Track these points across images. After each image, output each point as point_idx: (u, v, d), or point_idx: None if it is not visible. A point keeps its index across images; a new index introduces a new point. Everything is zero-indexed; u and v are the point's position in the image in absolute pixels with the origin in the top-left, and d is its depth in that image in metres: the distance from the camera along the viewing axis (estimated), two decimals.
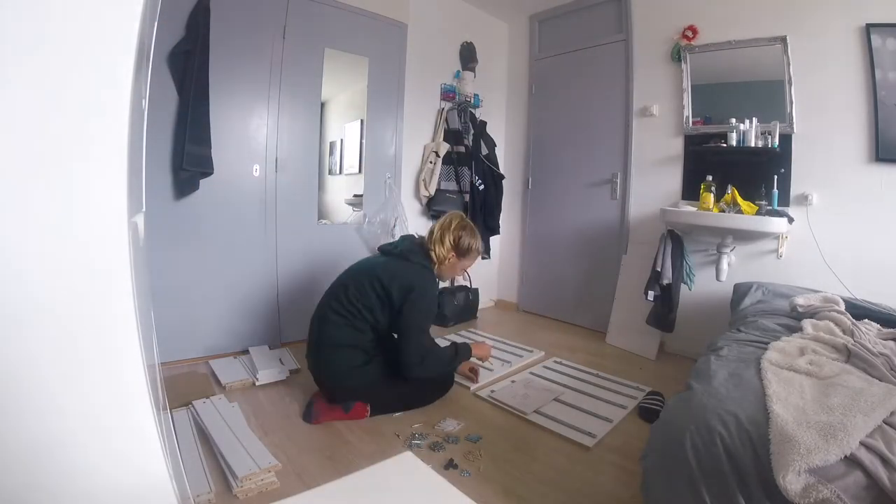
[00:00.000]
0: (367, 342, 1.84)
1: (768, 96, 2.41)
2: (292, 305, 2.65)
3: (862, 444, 0.90)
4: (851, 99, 2.18)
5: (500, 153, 3.60)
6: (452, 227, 1.94)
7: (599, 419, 1.87)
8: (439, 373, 1.93)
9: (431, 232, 1.98)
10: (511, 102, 3.80)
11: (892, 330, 1.58)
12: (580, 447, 1.69)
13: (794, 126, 2.33)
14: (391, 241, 2.16)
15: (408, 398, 1.90)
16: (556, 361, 2.56)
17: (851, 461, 0.88)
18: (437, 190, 3.19)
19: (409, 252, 1.91)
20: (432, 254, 1.93)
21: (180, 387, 1.96)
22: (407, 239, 2.02)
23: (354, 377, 1.80)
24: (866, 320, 1.67)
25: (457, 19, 3.42)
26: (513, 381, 2.25)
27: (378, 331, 1.86)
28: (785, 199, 2.35)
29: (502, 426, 1.84)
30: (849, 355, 1.36)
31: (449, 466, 1.54)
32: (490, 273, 3.83)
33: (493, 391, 2.12)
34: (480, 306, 3.54)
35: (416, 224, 3.23)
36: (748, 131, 2.36)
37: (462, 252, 1.94)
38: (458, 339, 2.89)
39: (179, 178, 2.17)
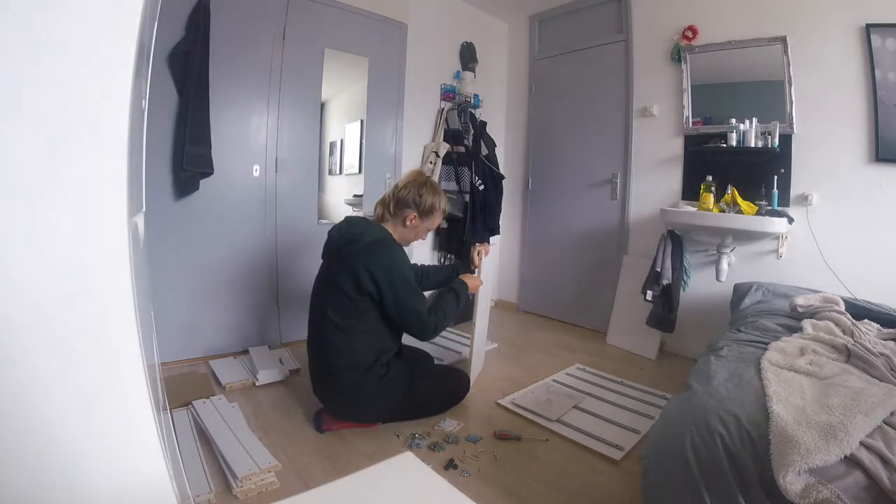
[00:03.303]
0: (371, 346, 1.71)
1: (768, 96, 2.41)
2: (292, 305, 2.64)
3: (862, 444, 0.90)
4: (851, 99, 2.18)
5: (500, 153, 3.59)
6: (410, 185, 1.79)
7: (626, 430, 1.81)
8: (455, 317, 1.91)
9: (385, 199, 1.83)
10: (511, 102, 3.79)
11: (892, 330, 1.58)
12: (577, 445, 1.69)
13: (794, 126, 2.33)
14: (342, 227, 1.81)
15: (422, 409, 1.86)
16: (578, 368, 2.49)
17: (851, 461, 0.88)
18: None
19: (362, 232, 1.72)
20: (388, 221, 1.80)
21: (180, 387, 1.96)
22: (353, 220, 1.81)
23: (369, 405, 1.72)
24: (866, 320, 1.67)
25: (457, 19, 3.42)
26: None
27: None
28: (785, 199, 2.34)
29: (502, 426, 1.84)
30: (849, 355, 1.36)
31: (449, 466, 1.54)
32: (490, 273, 3.82)
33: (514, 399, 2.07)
34: None
35: None
36: (748, 131, 2.35)
37: (425, 213, 1.79)
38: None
39: (179, 178, 2.18)
